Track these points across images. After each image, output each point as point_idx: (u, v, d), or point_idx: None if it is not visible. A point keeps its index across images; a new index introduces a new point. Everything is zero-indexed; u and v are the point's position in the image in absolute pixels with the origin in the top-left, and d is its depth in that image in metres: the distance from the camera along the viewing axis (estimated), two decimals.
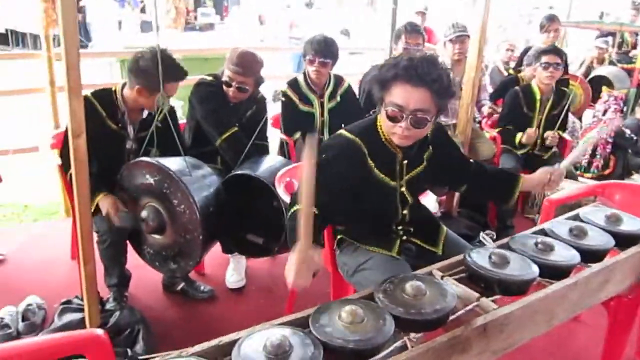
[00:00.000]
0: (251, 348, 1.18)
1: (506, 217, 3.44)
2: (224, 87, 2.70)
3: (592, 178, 4.58)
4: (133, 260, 2.48)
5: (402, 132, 1.65)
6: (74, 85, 1.90)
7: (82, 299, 2.22)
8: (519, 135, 3.48)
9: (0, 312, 2.41)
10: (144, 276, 2.67)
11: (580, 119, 5.25)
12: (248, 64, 2.65)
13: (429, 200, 3.73)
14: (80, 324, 2.24)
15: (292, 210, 1.58)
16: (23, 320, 2.39)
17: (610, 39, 6.13)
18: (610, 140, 4.73)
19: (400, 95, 1.61)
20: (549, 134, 3.47)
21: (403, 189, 1.85)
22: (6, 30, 10.85)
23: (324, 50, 3.00)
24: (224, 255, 2.86)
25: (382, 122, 1.73)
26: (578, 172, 4.80)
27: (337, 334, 1.24)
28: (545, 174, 1.87)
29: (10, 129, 4.43)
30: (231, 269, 2.87)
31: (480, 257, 1.56)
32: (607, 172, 4.67)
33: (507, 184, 1.95)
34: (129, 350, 2.22)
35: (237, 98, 2.72)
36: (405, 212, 1.89)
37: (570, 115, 4.51)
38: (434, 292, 1.39)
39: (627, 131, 4.75)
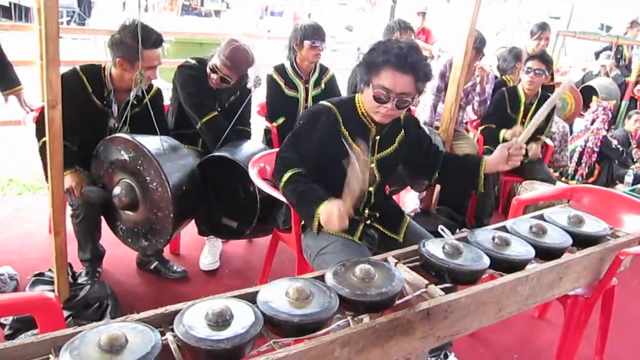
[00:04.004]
0: (194, 316, 1.20)
1: (483, 216, 3.47)
2: (208, 71, 2.71)
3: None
4: (110, 237, 2.51)
5: (387, 112, 1.79)
6: (52, 56, 1.93)
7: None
8: (502, 131, 3.44)
9: None
10: (120, 253, 2.70)
11: (571, 126, 5.28)
12: (238, 63, 2.65)
13: (411, 197, 3.77)
14: None
15: (287, 175, 1.79)
16: None
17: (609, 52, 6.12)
18: (596, 149, 4.76)
19: (390, 79, 1.74)
20: (531, 145, 3.45)
21: (373, 165, 1.92)
22: (10, 3, 10.76)
23: (323, 35, 3.15)
24: (200, 238, 2.89)
25: (364, 101, 1.86)
26: (563, 179, 4.84)
27: (282, 308, 1.27)
28: (503, 150, 1.88)
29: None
30: (206, 252, 2.89)
31: (434, 247, 1.59)
32: (591, 180, 4.70)
33: (472, 166, 1.99)
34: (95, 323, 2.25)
35: (219, 85, 2.74)
36: (371, 189, 1.94)
37: (560, 120, 4.55)
38: (383, 276, 1.42)
39: (614, 142, 4.78)
